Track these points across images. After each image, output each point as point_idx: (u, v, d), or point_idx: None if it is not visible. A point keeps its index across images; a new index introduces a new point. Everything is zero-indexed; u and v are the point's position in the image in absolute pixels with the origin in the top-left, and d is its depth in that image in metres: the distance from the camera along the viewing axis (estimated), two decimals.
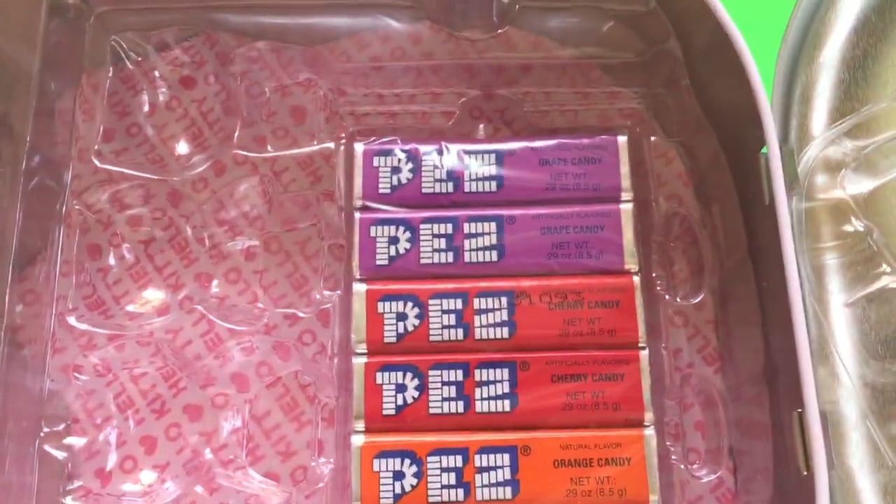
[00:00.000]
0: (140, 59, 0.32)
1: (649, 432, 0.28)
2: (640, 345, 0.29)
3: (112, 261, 0.30)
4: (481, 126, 0.32)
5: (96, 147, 0.31)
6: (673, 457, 0.28)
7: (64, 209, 0.30)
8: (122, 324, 0.29)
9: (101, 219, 0.30)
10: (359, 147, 0.30)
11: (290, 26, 0.31)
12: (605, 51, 0.31)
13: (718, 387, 0.29)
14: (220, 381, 0.29)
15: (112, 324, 0.29)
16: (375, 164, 0.30)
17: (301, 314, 0.30)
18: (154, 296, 0.29)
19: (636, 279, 0.29)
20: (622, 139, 0.30)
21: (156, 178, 0.30)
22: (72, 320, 0.29)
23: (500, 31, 0.31)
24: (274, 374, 0.29)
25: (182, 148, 0.30)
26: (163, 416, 0.29)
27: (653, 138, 0.31)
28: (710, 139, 0.30)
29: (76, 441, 0.28)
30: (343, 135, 0.31)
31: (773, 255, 0.26)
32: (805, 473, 0.24)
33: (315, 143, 0.31)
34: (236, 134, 0.31)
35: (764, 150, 0.26)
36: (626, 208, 0.30)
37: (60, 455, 0.28)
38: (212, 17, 0.31)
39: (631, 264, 0.29)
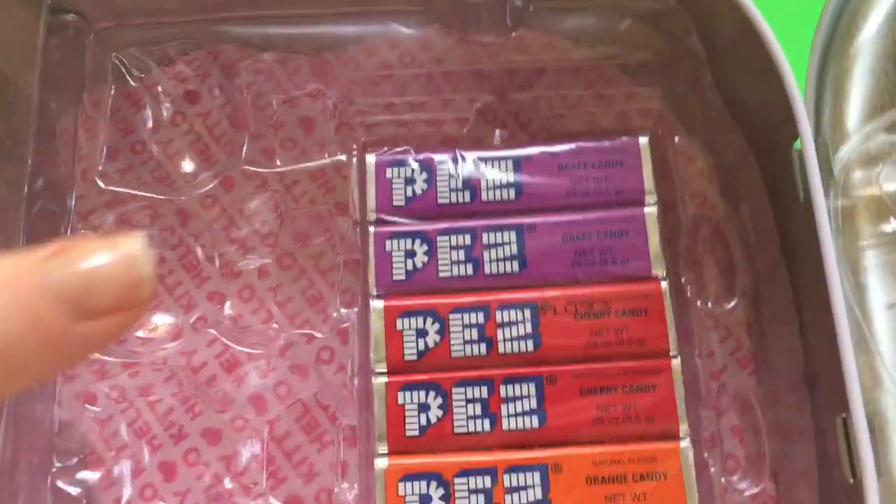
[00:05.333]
0: (142, 75, 0.31)
1: (685, 444, 0.27)
2: (671, 353, 0.27)
3: None
4: (497, 132, 0.30)
5: (100, 167, 0.30)
6: (711, 468, 0.27)
7: (68, 232, 0.29)
8: (134, 349, 0.28)
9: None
10: (370, 159, 0.29)
11: (297, 36, 0.30)
12: (623, 50, 0.30)
13: (756, 393, 0.28)
14: (238, 405, 0.28)
15: (124, 350, 0.28)
16: (388, 175, 0.29)
17: (318, 333, 0.29)
18: (166, 319, 0.28)
19: (664, 285, 0.28)
20: (643, 140, 0.29)
21: (163, 197, 0.29)
22: None
23: (513, 33, 0.30)
24: (293, 396, 0.28)
25: (189, 165, 0.29)
26: (181, 441, 0.28)
27: (676, 138, 0.30)
28: (736, 137, 0.29)
29: (91, 475, 0.27)
30: (354, 146, 0.30)
31: (810, 255, 0.25)
32: (851, 481, 0.23)
33: (326, 155, 0.30)
34: (244, 148, 0.30)
35: (797, 144, 0.25)
36: (651, 212, 0.29)
37: (75, 491, 0.27)
38: (215, 29, 0.30)
39: (658, 270, 0.28)
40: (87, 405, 0.28)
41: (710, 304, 0.29)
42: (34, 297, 0.15)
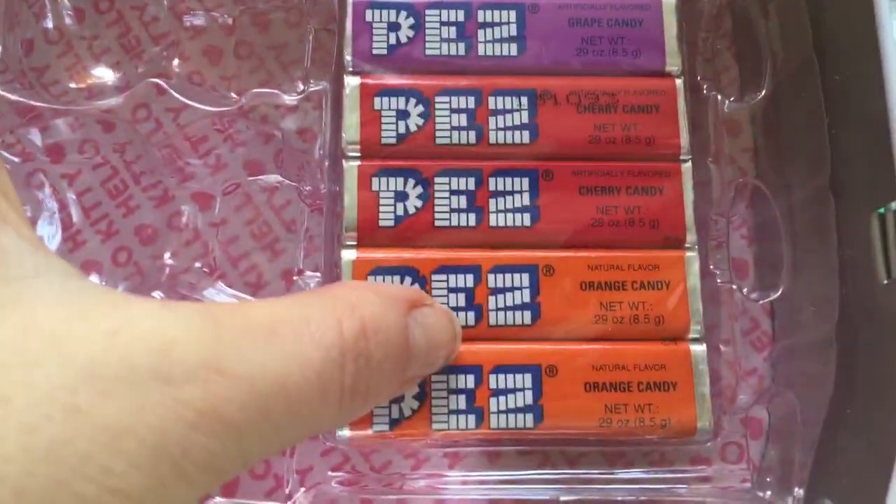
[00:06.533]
0: None
1: (691, 254, 0.24)
2: (682, 156, 0.24)
3: (51, 24, 0.24)
4: None
5: None
6: (719, 279, 0.24)
7: None
8: (68, 101, 0.24)
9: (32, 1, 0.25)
10: None
11: None
12: None
13: (775, 199, 0.25)
14: (198, 177, 0.25)
15: (54, 101, 0.24)
16: None
17: (283, 103, 0.25)
18: (106, 72, 0.24)
19: (679, 81, 0.25)
20: None
21: None
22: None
23: None
24: (256, 169, 0.25)
25: None
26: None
27: None
28: None
29: None
30: None
31: (852, 42, 0.22)
32: (886, 281, 0.20)
33: None
34: None
35: None
36: (670, 2, 0.25)
37: None
38: None
39: (673, 65, 0.25)
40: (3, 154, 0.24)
41: (728, 104, 0.26)
42: (399, 356, 0.17)
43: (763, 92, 0.25)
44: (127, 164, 0.25)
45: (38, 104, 0.24)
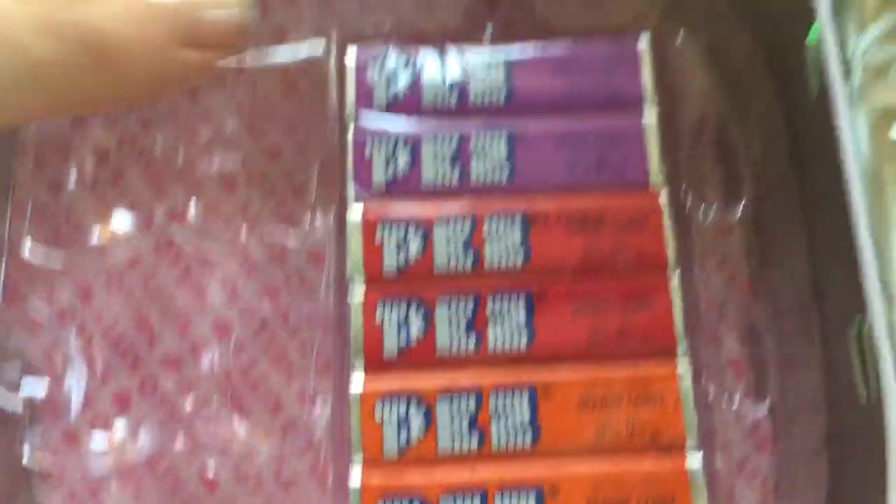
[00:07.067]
0: None
1: (683, 366, 0.25)
2: (669, 268, 0.25)
3: (72, 186, 0.26)
4: (489, 25, 0.28)
5: None
6: (710, 395, 0.25)
7: None
8: (84, 259, 0.26)
9: (60, 143, 0.27)
10: (350, 55, 0.27)
11: None
12: None
13: (758, 314, 0.26)
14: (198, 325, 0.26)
15: (73, 259, 0.26)
16: (370, 73, 0.27)
17: (292, 231, 0.27)
18: (121, 224, 0.26)
19: (663, 196, 0.26)
20: (643, 41, 0.27)
21: None
22: (26, 255, 0.26)
23: None
24: (261, 314, 0.26)
25: None
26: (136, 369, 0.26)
27: (679, 38, 0.27)
28: (744, 36, 0.27)
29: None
30: (332, 42, 0.28)
31: (822, 156, 0.23)
32: (865, 401, 0.21)
33: (300, 52, 0.27)
34: None
35: (811, 37, 0.23)
36: (650, 118, 0.26)
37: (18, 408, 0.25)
38: None
39: (657, 180, 0.26)
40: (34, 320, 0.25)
41: (711, 216, 0.27)
42: (149, 17, 0.18)
43: (745, 201, 0.26)
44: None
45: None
